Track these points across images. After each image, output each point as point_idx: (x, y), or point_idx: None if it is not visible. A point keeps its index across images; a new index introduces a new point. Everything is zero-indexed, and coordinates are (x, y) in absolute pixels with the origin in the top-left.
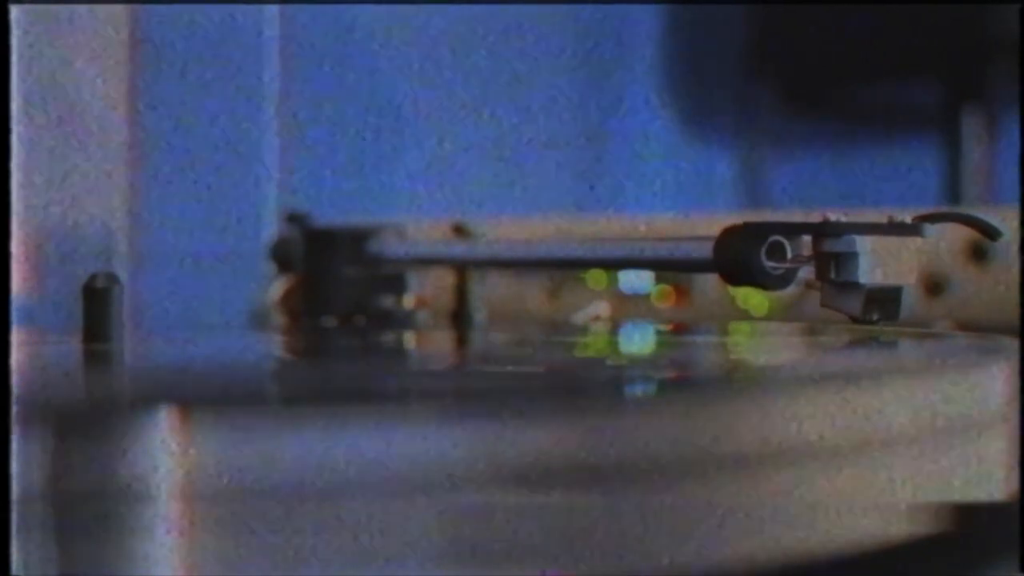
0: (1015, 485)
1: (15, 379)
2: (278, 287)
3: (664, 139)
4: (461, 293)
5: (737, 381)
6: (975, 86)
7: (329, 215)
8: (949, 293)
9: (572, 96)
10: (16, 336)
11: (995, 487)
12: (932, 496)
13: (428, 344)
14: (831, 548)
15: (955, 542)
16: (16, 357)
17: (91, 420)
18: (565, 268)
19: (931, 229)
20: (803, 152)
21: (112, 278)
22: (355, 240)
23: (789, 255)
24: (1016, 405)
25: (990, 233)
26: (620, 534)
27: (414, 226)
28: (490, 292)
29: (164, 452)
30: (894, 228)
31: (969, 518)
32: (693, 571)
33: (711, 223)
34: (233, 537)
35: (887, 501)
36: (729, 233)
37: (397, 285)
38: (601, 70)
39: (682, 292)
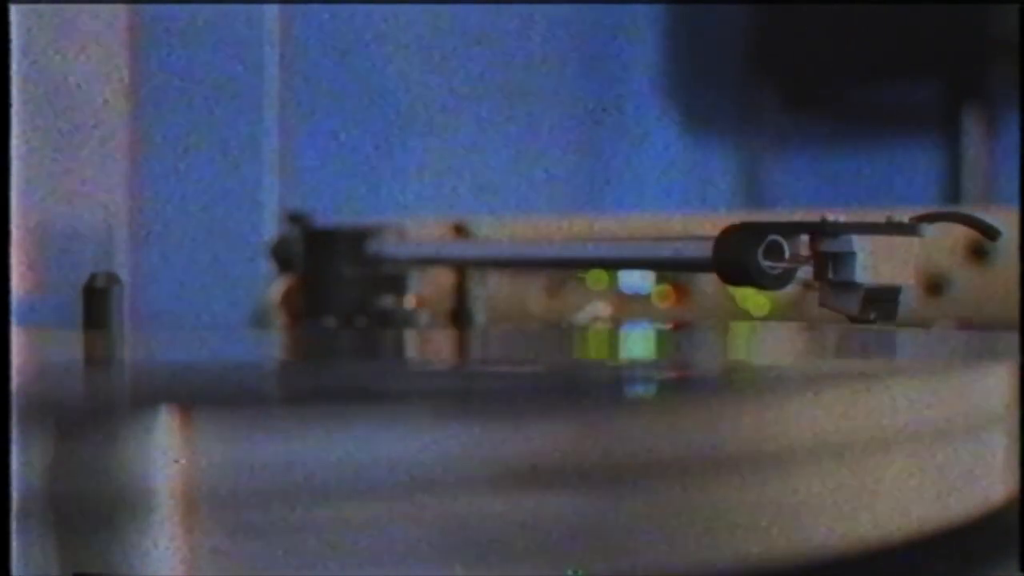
0: (1015, 485)
1: (15, 379)
2: (278, 287)
3: (664, 139)
4: (461, 293)
5: (737, 381)
6: (975, 86)
7: (329, 215)
8: (949, 293)
9: (572, 96)
10: (16, 335)
11: (995, 487)
12: (932, 496)
13: (428, 344)
14: (831, 548)
15: (955, 542)
16: (16, 357)
17: (91, 420)
18: (565, 268)
19: (929, 229)
20: (803, 152)
21: (112, 278)
22: (355, 240)
23: (787, 255)
24: (1016, 405)
25: (990, 233)
26: (620, 534)
27: (414, 226)
28: (490, 292)
29: (164, 452)
30: (892, 228)
31: (969, 518)
32: (693, 571)
33: (711, 223)
34: (232, 537)
35: (887, 501)
36: (727, 233)
37: (397, 285)
38: (601, 70)
39: (682, 292)
